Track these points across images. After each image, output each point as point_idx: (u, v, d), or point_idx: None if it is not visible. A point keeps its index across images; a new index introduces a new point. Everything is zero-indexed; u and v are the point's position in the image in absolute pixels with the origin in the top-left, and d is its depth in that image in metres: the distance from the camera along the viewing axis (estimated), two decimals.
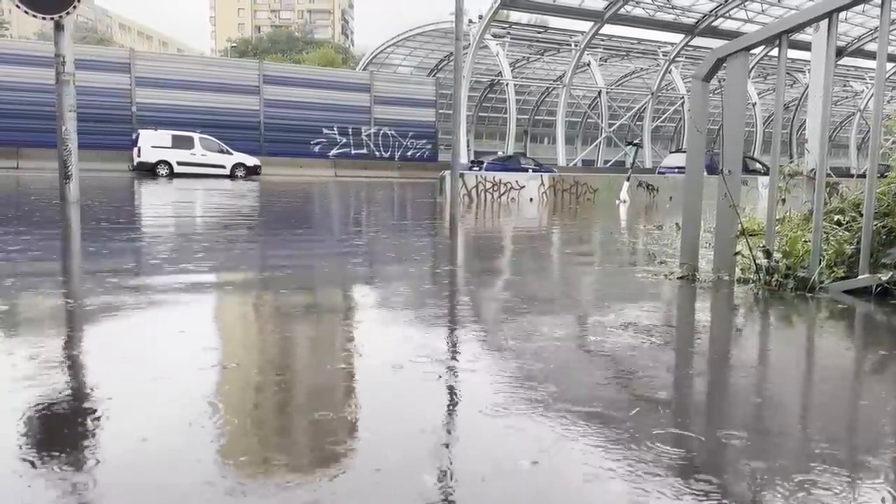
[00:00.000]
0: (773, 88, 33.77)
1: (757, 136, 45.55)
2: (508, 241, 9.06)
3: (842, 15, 4.94)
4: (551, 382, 2.72)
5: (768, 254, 4.84)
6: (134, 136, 26.42)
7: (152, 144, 25.39)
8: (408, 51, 45.98)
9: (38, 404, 2.34)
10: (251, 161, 27.32)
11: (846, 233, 5.16)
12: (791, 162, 27.70)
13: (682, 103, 42.76)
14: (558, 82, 42.03)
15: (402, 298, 4.62)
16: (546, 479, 1.90)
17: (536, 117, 52.72)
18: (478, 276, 5.81)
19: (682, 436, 2.25)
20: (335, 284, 5.20)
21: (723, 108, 5.55)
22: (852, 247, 4.91)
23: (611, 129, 41.77)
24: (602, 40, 38.91)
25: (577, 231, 10.25)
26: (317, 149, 33.76)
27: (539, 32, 41.01)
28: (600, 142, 42.71)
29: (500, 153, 35.35)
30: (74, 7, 11.45)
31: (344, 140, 34.47)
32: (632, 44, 41.47)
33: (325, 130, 34.02)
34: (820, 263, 4.74)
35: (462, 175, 15.88)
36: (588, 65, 39.60)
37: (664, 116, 47.36)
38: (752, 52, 5.97)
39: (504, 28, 38.14)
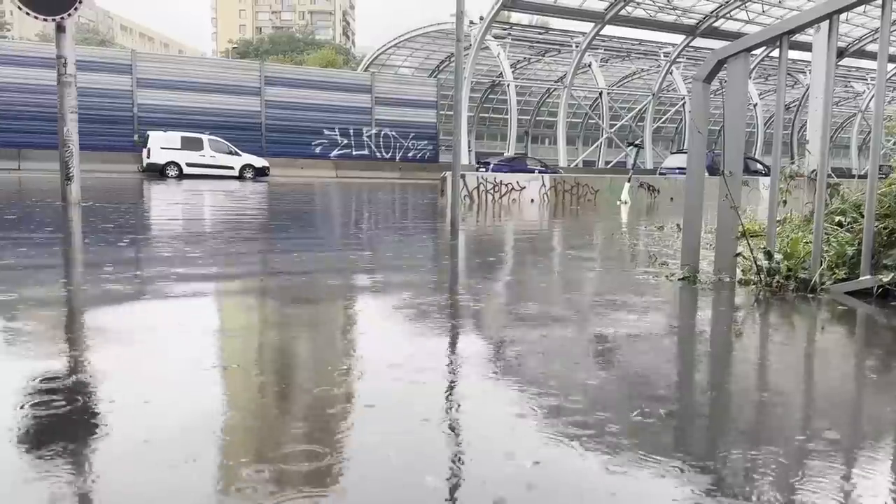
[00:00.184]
0: (775, 89, 33.78)
1: (758, 137, 45.54)
2: (510, 242, 9.07)
3: (842, 15, 4.94)
4: (553, 382, 2.72)
5: (769, 255, 4.83)
6: (135, 138, 26.44)
7: (162, 146, 25.54)
8: (409, 52, 46.00)
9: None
10: (260, 162, 27.45)
11: (847, 234, 5.16)
12: (792, 163, 27.68)
13: (683, 104, 42.77)
14: (559, 83, 42.02)
15: (411, 300, 4.63)
16: (543, 472, 1.90)
17: (537, 118, 52.71)
18: (479, 278, 5.81)
19: (682, 435, 2.25)
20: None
21: (724, 109, 5.54)
22: (853, 248, 4.90)
23: (612, 130, 41.75)
24: (603, 41, 38.92)
25: (579, 232, 10.25)
26: (318, 150, 33.79)
27: (540, 33, 41.01)
28: (601, 143, 42.71)
29: (506, 154, 35.43)
30: (76, 9, 11.47)
31: (345, 141, 34.49)
32: (633, 45, 41.47)
33: (326, 131, 34.05)
34: (821, 265, 4.74)
35: (463, 176, 15.89)
36: (589, 66, 39.61)
37: (665, 117, 47.33)
38: (753, 53, 5.96)
39: (505, 29, 38.16)
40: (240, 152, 27.27)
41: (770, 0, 33.62)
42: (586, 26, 35.39)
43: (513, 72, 40.04)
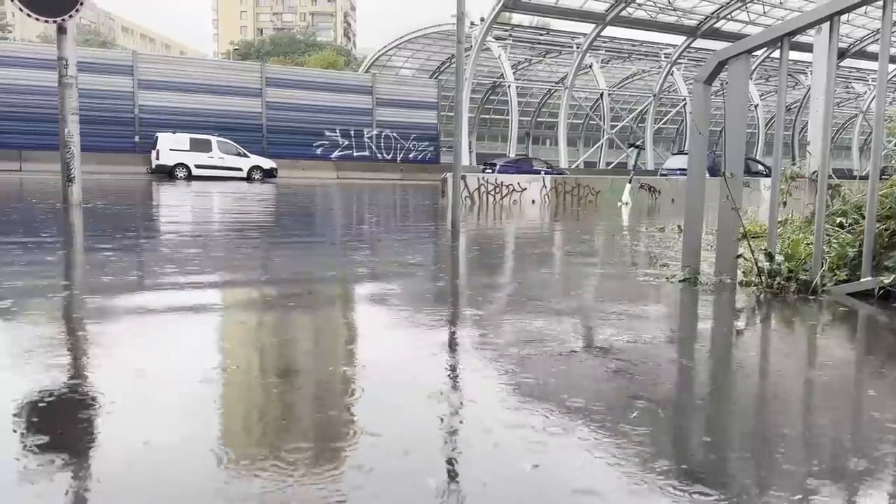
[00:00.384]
0: (776, 90, 33.81)
1: (759, 138, 45.54)
2: (511, 244, 9.06)
3: (843, 16, 4.93)
4: (556, 383, 2.72)
5: (770, 256, 4.82)
6: (136, 139, 26.48)
7: (170, 147, 25.67)
8: (410, 53, 46.04)
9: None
10: (268, 164, 27.58)
11: (848, 235, 5.15)
12: (793, 164, 27.68)
13: (684, 105, 42.77)
14: (560, 84, 42.04)
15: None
16: (545, 474, 1.89)
17: (538, 119, 52.71)
18: (480, 279, 5.81)
19: (683, 436, 2.25)
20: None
21: (725, 111, 5.55)
22: (855, 249, 4.89)
23: (613, 131, 41.76)
24: (604, 42, 38.93)
25: (580, 234, 10.24)
26: (319, 151, 33.82)
27: (541, 34, 41.04)
28: (602, 144, 42.71)
29: (511, 155, 35.50)
30: (77, 10, 11.48)
31: (346, 142, 34.52)
32: (634, 46, 41.49)
33: (327, 132, 34.08)
34: (822, 266, 4.73)
35: (464, 177, 15.90)
36: (590, 67, 39.62)
37: (666, 118, 47.33)
38: (754, 54, 5.96)
39: (506, 30, 38.18)
40: (248, 154, 27.43)
41: (771, 1, 33.63)
42: (587, 27, 35.42)
43: (514, 73, 40.05)
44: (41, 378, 2.65)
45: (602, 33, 35.32)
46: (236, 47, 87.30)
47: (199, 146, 26.17)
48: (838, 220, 5.42)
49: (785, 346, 3.85)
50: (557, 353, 3.21)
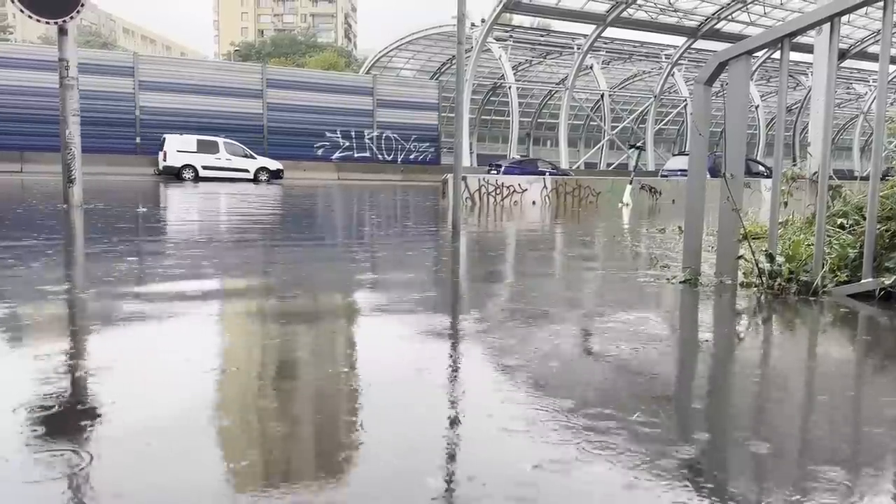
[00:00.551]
0: (776, 91, 33.81)
1: (760, 139, 45.56)
2: (511, 245, 9.06)
3: (844, 17, 4.93)
4: (556, 382, 2.71)
5: (771, 257, 4.82)
6: (137, 140, 26.54)
7: (178, 149, 25.78)
8: (410, 54, 46.07)
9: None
10: (274, 165, 27.69)
11: (849, 236, 5.14)
12: (794, 165, 27.67)
13: (685, 106, 42.79)
14: (561, 85, 42.06)
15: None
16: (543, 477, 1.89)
17: (539, 120, 52.73)
18: (481, 280, 5.81)
19: (684, 436, 2.25)
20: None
21: (725, 111, 5.54)
22: (855, 250, 4.89)
23: (613, 132, 41.77)
24: (605, 43, 38.96)
25: (580, 235, 10.24)
26: (320, 152, 33.85)
27: (542, 36, 41.07)
28: (603, 145, 42.71)
29: (516, 156, 35.58)
30: (78, 11, 11.50)
31: (347, 143, 34.55)
32: (634, 47, 41.51)
33: (328, 134, 34.11)
34: (823, 267, 4.73)
35: (465, 178, 15.90)
36: (591, 68, 39.65)
37: (667, 119, 47.36)
38: (755, 55, 5.96)
39: (507, 31, 38.21)
40: (255, 155, 27.55)
41: (771, 2, 33.64)
42: (588, 28, 35.45)
43: (514, 74, 40.09)
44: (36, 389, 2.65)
45: (603, 34, 35.34)
46: (237, 48, 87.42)
47: (207, 147, 26.30)
48: (839, 221, 5.41)
49: (786, 347, 3.85)
50: (558, 354, 3.21)
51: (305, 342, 3.46)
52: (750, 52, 5.21)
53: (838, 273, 4.81)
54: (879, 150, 4.73)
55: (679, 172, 24.12)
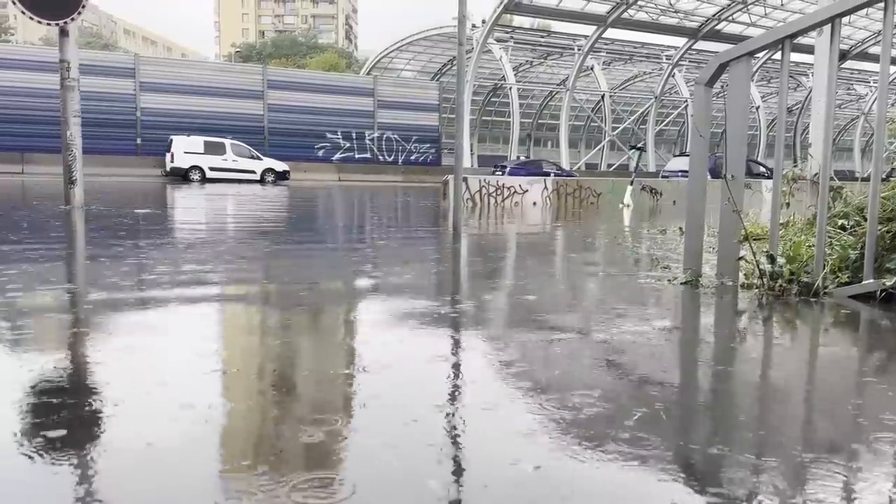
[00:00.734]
0: (777, 92, 33.85)
1: (760, 140, 45.57)
2: (512, 246, 9.06)
3: (845, 18, 4.93)
4: (556, 383, 2.71)
5: (772, 259, 4.82)
6: (138, 141, 26.58)
7: (185, 150, 25.92)
8: (411, 55, 46.12)
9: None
10: (280, 166, 27.81)
11: (850, 237, 5.14)
12: (795, 166, 27.68)
13: (686, 107, 42.82)
14: (561, 86, 42.08)
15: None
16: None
17: (540, 121, 52.76)
18: (482, 281, 5.81)
19: (683, 438, 2.25)
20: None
21: (726, 112, 5.54)
22: (856, 252, 4.88)
23: (614, 133, 41.78)
24: (605, 44, 38.99)
25: (581, 236, 10.24)
26: (320, 153, 33.88)
27: (542, 36, 41.10)
28: (604, 146, 42.72)
29: (522, 157, 35.65)
30: (79, 13, 11.51)
31: (347, 144, 34.58)
32: (635, 48, 41.55)
33: (328, 135, 34.14)
34: (824, 268, 4.72)
35: (465, 179, 15.90)
36: (591, 69, 39.67)
37: (668, 120, 47.37)
38: (756, 56, 5.96)
39: (507, 32, 38.24)
40: (261, 156, 27.67)
41: (772, 3, 33.65)
42: (588, 29, 35.47)
43: (515, 75, 40.12)
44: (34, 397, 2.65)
45: (603, 35, 35.37)
46: (238, 49, 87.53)
47: (214, 149, 26.45)
48: (840, 222, 5.41)
49: (788, 348, 3.85)
50: (559, 354, 3.21)
51: (310, 340, 3.46)
52: (751, 54, 5.21)
53: (839, 274, 4.81)
54: (880, 151, 4.72)
55: (680, 173, 24.12)
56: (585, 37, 36.25)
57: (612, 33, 35.97)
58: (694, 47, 38.39)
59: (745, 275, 5.15)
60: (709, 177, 5.71)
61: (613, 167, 41.03)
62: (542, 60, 44.44)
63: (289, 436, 2.19)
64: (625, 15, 33.17)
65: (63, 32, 11.46)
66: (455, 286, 5.56)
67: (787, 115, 5.30)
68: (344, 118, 34.40)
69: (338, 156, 34.34)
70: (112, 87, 29.35)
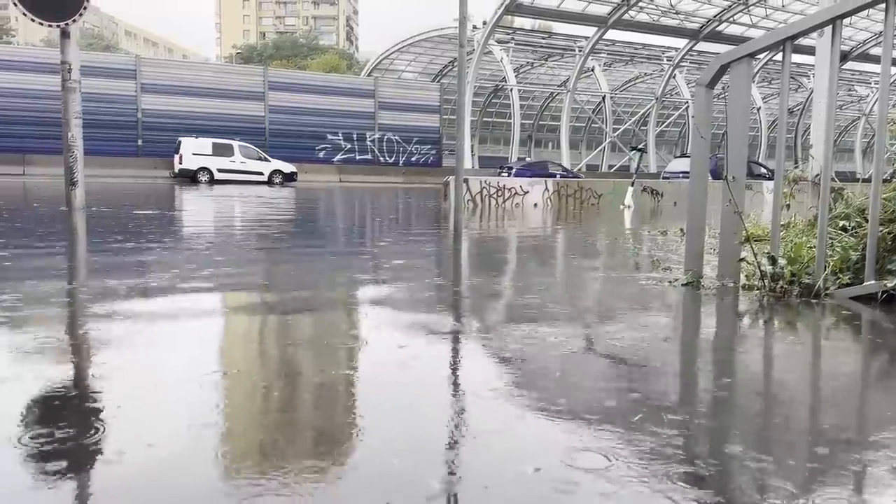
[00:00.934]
0: (778, 93, 33.87)
1: (762, 141, 45.55)
2: (513, 248, 9.06)
3: (846, 19, 4.92)
4: (556, 384, 2.71)
5: (773, 260, 4.81)
6: (139, 143, 26.58)
7: (193, 152, 26.05)
8: (412, 56, 46.15)
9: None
10: (288, 168, 27.93)
11: (852, 239, 5.13)
12: (796, 167, 27.68)
13: (687, 108, 42.82)
14: (562, 87, 42.10)
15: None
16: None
17: (541, 122, 52.78)
18: (482, 282, 5.80)
19: (685, 438, 2.24)
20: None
21: (727, 114, 5.54)
22: (858, 253, 4.88)
23: (615, 134, 41.78)
24: (606, 45, 39.00)
25: (582, 237, 10.24)
26: (321, 154, 33.89)
27: (543, 38, 41.12)
28: (605, 147, 42.71)
29: (528, 159, 35.74)
30: (81, 14, 11.51)
31: (348, 146, 34.59)
32: (636, 49, 41.57)
33: (329, 136, 34.15)
34: (825, 270, 4.72)
35: (466, 180, 15.89)
36: (592, 70, 39.67)
37: (669, 121, 47.36)
38: (757, 57, 5.95)
39: (508, 34, 38.26)
40: (269, 158, 27.78)
41: (773, 4, 33.64)
42: (589, 31, 35.49)
43: (516, 76, 40.13)
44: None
45: (604, 37, 35.38)
46: (239, 51, 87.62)
47: (222, 151, 26.57)
48: (841, 223, 5.40)
49: (789, 349, 3.84)
50: (560, 354, 3.20)
51: (316, 337, 3.46)
52: (752, 55, 5.21)
53: (840, 275, 4.80)
54: (881, 152, 4.72)
55: (681, 174, 24.12)
56: (586, 38, 36.26)
57: (612, 34, 35.98)
58: (695, 48, 38.39)
59: (746, 276, 5.15)
60: (710, 178, 5.71)
61: (614, 168, 41.03)
62: (543, 62, 44.45)
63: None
64: (626, 16, 33.18)
65: (64, 34, 11.47)
66: (455, 286, 5.55)
67: (788, 116, 5.28)
68: (345, 119, 34.41)
69: (339, 157, 34.35)
70: (113, 89, 29.38)
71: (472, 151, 44.12)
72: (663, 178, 27.05)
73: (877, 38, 35.45)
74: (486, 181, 17.03)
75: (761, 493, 1.89)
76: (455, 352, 3.37)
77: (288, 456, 2.05)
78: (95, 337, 3.41)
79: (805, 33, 5.22)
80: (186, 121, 30.09)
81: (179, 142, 26.35)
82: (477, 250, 8.40)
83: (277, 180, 27.18)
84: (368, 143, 35.10)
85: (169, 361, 3.06)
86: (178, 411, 2.42)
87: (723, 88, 20.45)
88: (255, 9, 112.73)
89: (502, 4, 31.24)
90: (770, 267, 4.81)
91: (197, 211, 13.81)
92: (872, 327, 4.28)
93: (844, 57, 35.58)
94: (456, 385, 2.84)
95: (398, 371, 2.96)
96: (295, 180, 27.73)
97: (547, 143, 54.28)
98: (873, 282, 4.54)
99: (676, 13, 34.32)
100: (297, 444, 2.17)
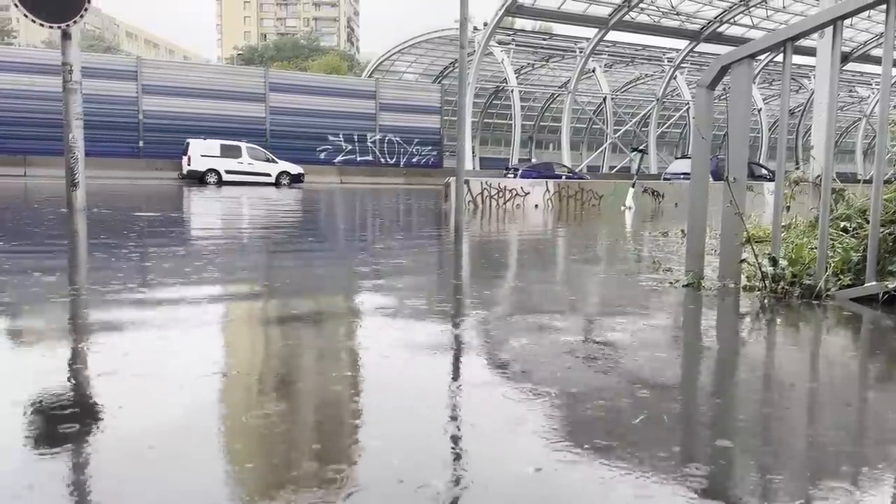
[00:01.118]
0: (779, 94, 33.84)
1: (763, 142, 45.51)
2: (514, 249, 9.06)
3: (847, 20, 4.92)
4: (557, 385, 2.71)
5: (774, 261, 4.81)
6: (140, 144, 26.54)
7: (201, 153, 26.15)
8: (413, 58, 46.15)
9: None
10: (295, 169, 28.02)
11: (853, 240, 5.13)
12: (797, 168, 27.69)
13: (688, 109, 42.81)
14: (563, 88, 42.10)
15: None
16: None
17: (541, 123, 52.77)
18: (483, 284, 5.80)
19: (684, 440, 2.24)
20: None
21: (728, 115, 5.54)
22: (859, 254, 4.88)
23: (616, 136, 41.77)
24: (607, 47, 38.98)
25: (583, 238, 10.24)
26: (322, 156, 33.87)
27: (544, 39, 41.11)
28: (605, 148, 42.70)
29: (533, 160, 35.76)
30: (81, 16, 11.51)
31: (349, 147, 34.58)
32: (637, 50, 41.55)
33: (330, 137, 34.14)
34: (826, 271, 4.72)
35: (467, 181, 15.87)
36: (593, 71, 39.66)
37: (669, 122, 47.33)
38: (758, 58, 5.95)
39: (509, 35, 38.24)
40: (276, 159, 27.86)
41: (774, 5, 33.63)
42: (590, 32, 35.47)
43: (516, 77, 40.14)
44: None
45: (605, 38, 35.35)
46: (240, 52, 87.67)
47: (230, 152, 26.69)
48: (842, 224, 5.40)
49: (790, 351, 3.84)
50: (561, 355, 3.20)
51: (319, 337, 3.46)
52: (752, 56, 5.21)
53: (841, 277, 4.80)
54: (882, 153, 4.72)
55: (682, 175, 24.10)
56: (587, 39, 36.24)
57: (613, 36, 35.96)
58: (696, 50, 38.36)
59: (747, 277, 5.15)
60: (711, 179, 5.70)
61: (615, 169, 41.02)
62: (544, 63, 44.44)
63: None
64: (626, 17, 33.16)
65: (65, 35, 11.47)
66: (456, 286, 5.55)
67: (788, 117, 5.24)
68: (346, 121, 34.40)
69: (339, 158, 34.34)
70: (114, 90, 29.38)
71: (472, 153, 44.10)
72: (664, 179, 27.03)
73: (878, 40, 35.44)
74: (486, 182, 17.01)
75: (752, 490, 1.89)
76: (455, 352, 3.37)
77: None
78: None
79: (806, 34, 5.21)
80: (188, 122, 30.10)
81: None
82: (478, 251, 8.40)
83: (285, 182, 27.30)
84: (369, 144, 35.09)
85: (171, 366, 3.06)
86: (178, 411, 2.42)
87: (724, 90, 20.44)
88: (256, 10, 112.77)
89: (503, 6, 31.25)
90: (771, 268, 4.81)
91: (203, 213, 13.82)
92: (874, 328, 4.28)
93: (845, 58, 35.58)
94: (456, 385, 2.84)
95: (398, 371, 2.97)
96: (302, 181, 27.86)
97: (548, 144, 54.27)
98: (874, 283, 4.54)
99: (677, 14, 34.31)
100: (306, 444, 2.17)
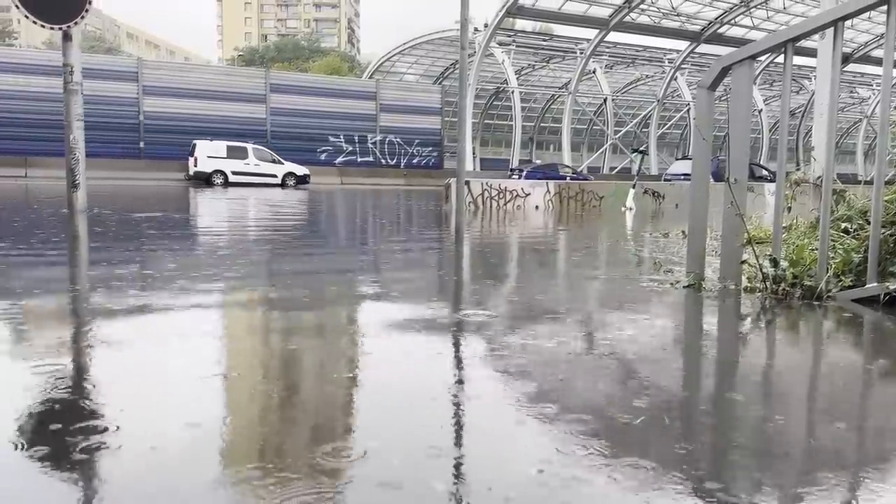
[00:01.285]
0: (780, 95, 33.87)
1: (763, 143, 45.51)
2: (514, 250, 9.05)
3: (848, 21, 4.92)
4: (557, 386, 2.71)
5: (775, 262, 4.81)
6: (140, 145, 26.56)
7: (208, 154, 26.27)
8: (414, 59, 46.18)
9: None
10: (301, 170, 28.14)
11: (854, 241, 5.13)
12: (797, 169, 27.70)
13: (688, 110, 42.83)
14: (564, 89, 42.12)
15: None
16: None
17: (542, 124, 52.78)
18: (483, 284, 5.80)
19: (684, 440, 2.24)
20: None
21: (728, 116, 5.54)
22: (860, 255, 4.87)
23: (616, 136, 41.79)
24: (607, 48, 39.01)
25: (583, 239, 10.24)
26: (323, 156, 33.90)
27: (544, 40, 41.12)
28: (606, 149, 42.71)
29: (538, 161, 35.85)
30: (82, 17, 11.52)
31: (350, 148, 34.62)
32: (637, 51, 41.57)
33: (331, 138, 34.18)
34: (827, 272, 4.71)
35: (468, 182, 15.87)
36: (593, 72, 39.69)
37: (670, 123, 47.34)
38: (758, 59, 5.95)
39: (509, 36, 38.26)
40: (282, 161, 27.94)
41: (775, 6, 33.64)
42: (591, 33, 35.48)
43: (517, 78, 40.16)
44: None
45: (605, 39, 35.36)
46: (241, 53, 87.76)
47: (236, 153, 26.84)
48: (843, 225, 5.39)
49: (790, 351, 3.84)
50: (561, 355, 3.20)
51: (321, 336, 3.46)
52: (753, 57, 5.20)
53: (842, 278, 4.79)
54: (883, 154, 4.71)
55: (682, 176, 24.13)
56: (588, 40, 36.25)
57: (614, 37, 35.98)
58: (696, 51, 38.38)
59: (748, 278, 5.14)
60: (711, 180, 5.70)
61: (616, 170, 41.04)
62: (545, 64, 44.45)
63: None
64: (627, 18, 33.18)
65: (66, 36, 11.48)
66: (457, 287, 5.55)
67: (789, 118, 5.25)
68: (346, 122, 34.44)
69: (340, 159, 34.37)
70: (115, 91, 29.43)
71: (473, 153, 44.13)
72: (665, 180, 27.04)
73: (878, 41, 35.43)
74: (487, 183, 17.00)
75: (750, 490, 1.88)
76: (455, 352, 3.37)
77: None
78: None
79: (807, 35, 5.21)
80: (188, 123, 30.16)
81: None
82: (478, 253, 8.40)
83: (290, 183, 27.44)
84: (370, 145, 35.13)
85: (172, 369, 3.06)
86: (177, 411, 2.42)
87: (724, 90, 20.50)
88: (257, 11, 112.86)
89: (503, 7, 31.27)
90: (772, 269, 4.80)
91: (206, 214, 13.82)
92: (875, 329, 4.28)
93: (846, 59, 35.59)
94: (457, 388, 2.84)
95: (398, 371, 2.97)
96: (307, 182, 27.97)
97: (548, 145, 54.27)
98: (875, 284, 4.54)
99: (678, 15, 34.33)
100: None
